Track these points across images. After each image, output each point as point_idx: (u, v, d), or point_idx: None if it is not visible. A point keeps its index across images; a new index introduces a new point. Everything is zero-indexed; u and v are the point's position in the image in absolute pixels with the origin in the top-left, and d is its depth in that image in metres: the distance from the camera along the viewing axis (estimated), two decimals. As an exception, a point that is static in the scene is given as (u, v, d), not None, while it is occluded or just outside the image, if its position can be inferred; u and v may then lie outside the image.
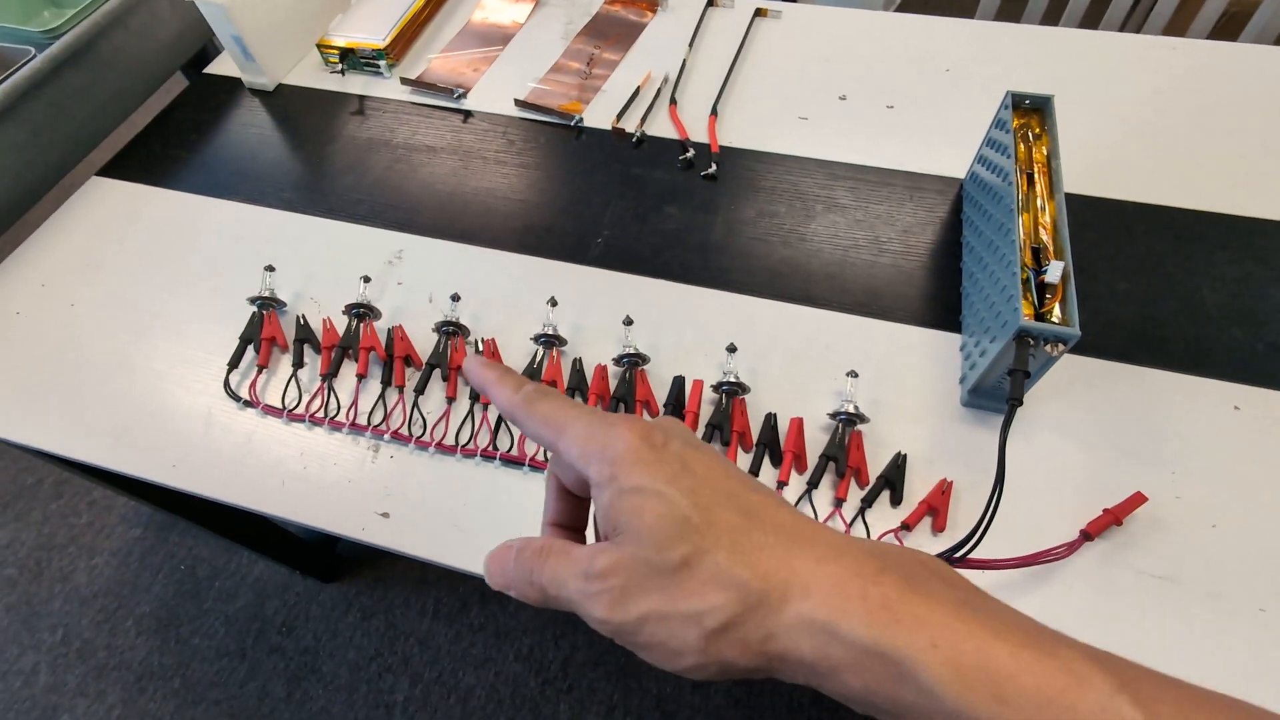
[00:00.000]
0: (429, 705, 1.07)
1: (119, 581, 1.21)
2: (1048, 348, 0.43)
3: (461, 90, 0.74)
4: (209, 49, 0.86)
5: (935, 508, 0.45)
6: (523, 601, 0.25)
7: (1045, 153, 0.52)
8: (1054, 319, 0.44)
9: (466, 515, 0.48)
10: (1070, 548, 0.42)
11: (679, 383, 0.51)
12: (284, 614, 1.16)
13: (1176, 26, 1.16)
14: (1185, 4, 1.14)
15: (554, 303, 0.55)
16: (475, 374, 0.28)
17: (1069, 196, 0.61)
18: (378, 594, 1.16)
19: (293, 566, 1.15)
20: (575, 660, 1.08)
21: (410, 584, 1.16)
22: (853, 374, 0.50)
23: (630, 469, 0.23)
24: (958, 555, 0.39)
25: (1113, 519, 0.43)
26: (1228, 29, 1.16)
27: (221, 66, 0.80)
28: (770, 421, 0.49)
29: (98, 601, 1.19)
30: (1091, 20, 1.23)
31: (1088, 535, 0.43)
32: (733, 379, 0.50)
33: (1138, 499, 0.44)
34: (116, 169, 0.71)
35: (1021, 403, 0.42)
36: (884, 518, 0.46)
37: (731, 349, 0.52)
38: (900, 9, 1.52)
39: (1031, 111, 0.55)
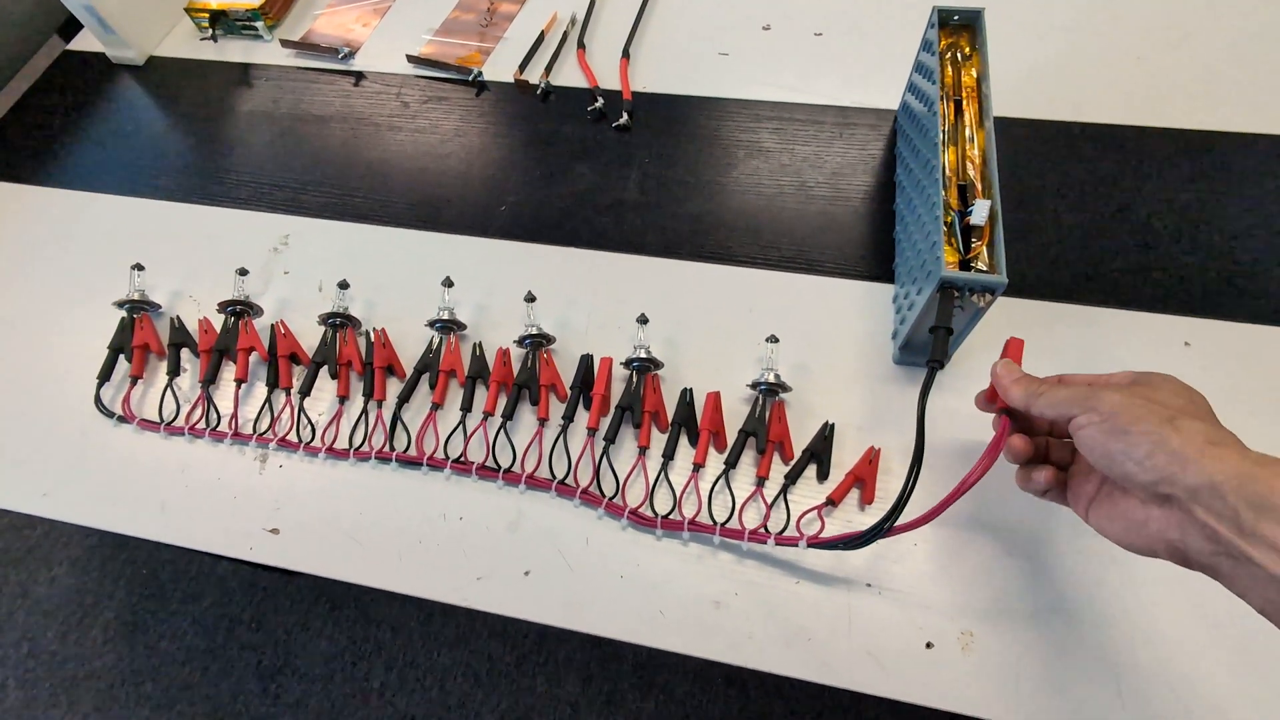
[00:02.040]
0: (406, 688, 1.06)
1: (80, 590, 1.18)
2: (974, 298, 0.39)
3: (349, 49, 0.67)
4: (74, 22, 0.78)
5: (863, 479, 0.42)
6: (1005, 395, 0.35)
7: (975, 75, 0.47)
8: (980, 265, 0.39)
9: (363, 525, 0.44)
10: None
11: (586, 362, 0.47)
12: (251, 610, 1.14)
13: None
14: None
15: (449, 283, 0.50)
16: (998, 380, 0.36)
17: (1007, 120, 0.56)
18: (343, 583, 1.14)
19: (254, 564, 1.13)
20: (550, 633, 1.07)
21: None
22: (773, 339, 0.46)
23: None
24: (879, 534, 0.36)
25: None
26: None
27: (85, 42, 0.72)
28: (686, 398, 0.45)
29: (60, 613, 1.16)
30: None
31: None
32: (644, 354, 0.46)
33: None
34: (-28, 166, 0.64)
35: (943, 365, 0.38)
36: (810, 493, 0.43)
37: (643, 320, 0.48)
38: None
39: (961, 29, 0.49)
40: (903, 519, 0.36)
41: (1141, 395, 0.30)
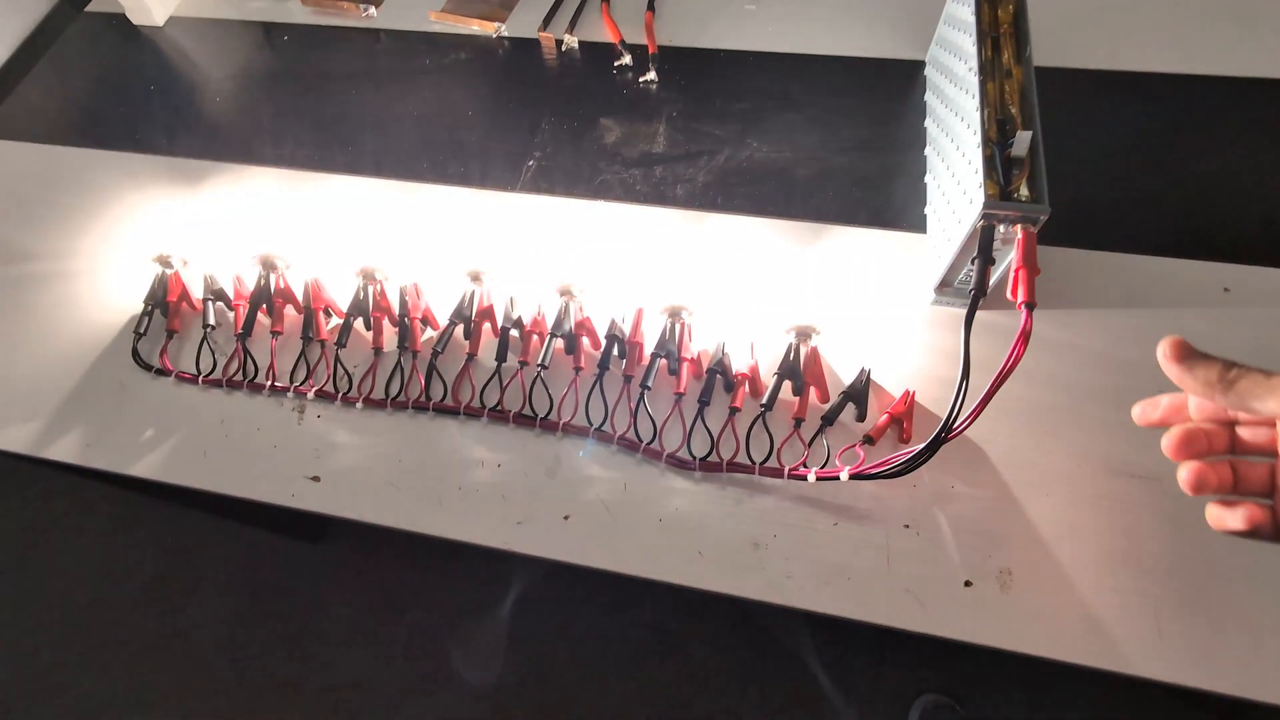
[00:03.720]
0: (429, 653, 1.08)
1: (108, 558, 1.20)
2: (1016, 228, 0.39)
3: (371, 6, 0.67)
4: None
5: (900, 419, 0.42)
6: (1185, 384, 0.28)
7: (1011, 11, 0.46)
8: (1021, 196, 0.39)
9: (402, 472, 0.45)
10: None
11: (619, 314, 0.47)
12: (276, 576, 1.16)
13: None
14: None
15: (480, 235, 0.50)
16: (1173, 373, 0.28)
17: (1044, 70, 0.55)
18: (368, 548, 1.16)
19: (278, 530, 1.14)
20: (574, 597, 1.08)
21: (399, 537, 1.16)
22: (805, 286, 0.46)
23: None
24: (932, 452, 0.36)
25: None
26: None
27: (103, 4, 0.72)
28: (721, 345, 0.45)
29: (89, 580, 1.19)
30: None
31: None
32: (677, 303, 0.46)
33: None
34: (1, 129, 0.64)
35: (985, 293, 0.37)
36: (847, 436, 0.43)
37: (675, 271, 0.48)
38: None
39: (997, -31, 0.48)
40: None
41: None
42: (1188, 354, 0.28)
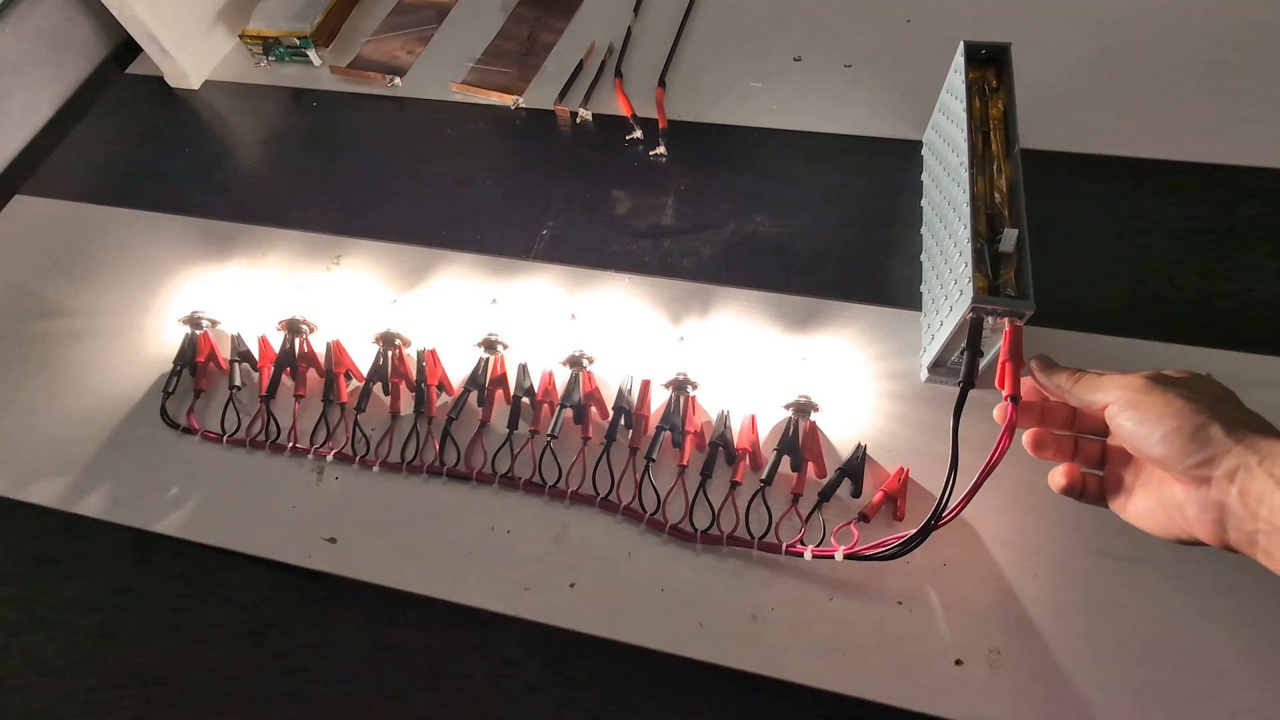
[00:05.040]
0: (426, 693, 1.08)
1: (114, 591, 1.21)
2: (1004, 321, 0.41)
3: (396, 76, 0.70)
4: (133, 43, 0.82)
5: (894, 496, 0.44)
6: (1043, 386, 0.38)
7: (1001, 108, 0.49)
8: (1009, 291, 0.41)
9: (415, 535, 0.47)
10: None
11: (626, 385, 0.49)
12: (280, 613, 1.17)
13: None
14: None
15: (495, 303, 0.53)
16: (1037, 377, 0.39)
17: (1034, 152, 0.57)
18: (369, 591, 1.17)
19: (282, 567, 1.16)
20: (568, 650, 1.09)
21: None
22: (804, 360, 0.48)
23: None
24: (920, 540, 0.38)
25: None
26: None
27: (143, 66, 0.76)
28: (723, 418, 0.47)
29: (96, 613, 1.20)
30: None
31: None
32: (683, 375, 0.48)
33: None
34: (40, 185, 0.68)
35: (973, 385, 0.39)
36: (843, 511, 0.45)
37: (680, 341, 0.50)
38: None
39: (988, 63, 0.51)
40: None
41: (1180, 384, 0.33)
42: (1049, 365, 0.38)
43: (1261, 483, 0.28)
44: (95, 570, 1.24)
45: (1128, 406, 0.32)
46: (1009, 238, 0.42)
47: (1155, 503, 0.33)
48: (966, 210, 0.44)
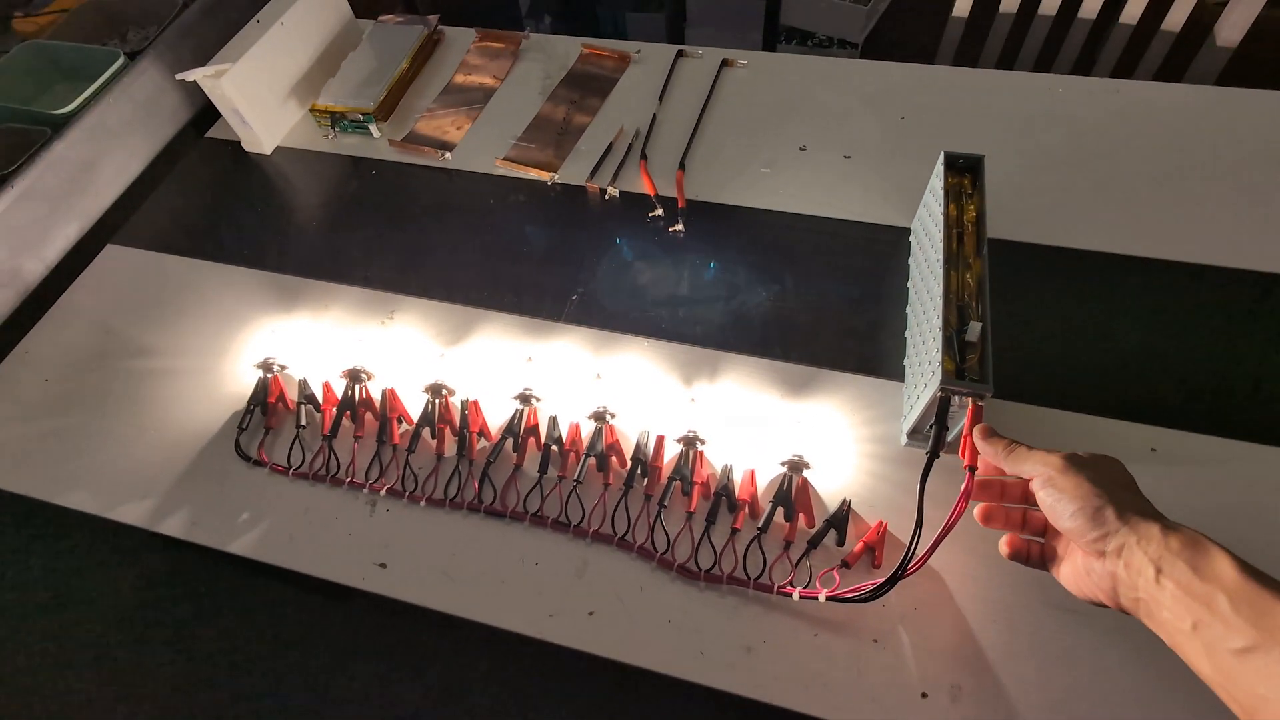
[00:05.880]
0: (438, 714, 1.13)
1: (143, 604, 1.28)
2: (968, 399, 0.48)
3: (446, 150, 0.79)
4: (212, 107, 0.92)
5: (873, 546, 0.51)
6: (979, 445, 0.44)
7: (974, 213, 0.57)
8: (973, 376, 0.48)
9: (455, 564, 0.54)
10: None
11: (643, 439, 0.56)
12: (300, 630, 1.23)
13: (1124, 67, 1.21)
14: (1132, 46, 1.19)
15: (530, 360, 0.61)
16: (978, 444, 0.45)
17: (1009, 243, 0.65)
18: (386, 611, 1.23)
19: (304, 587, 1.22)
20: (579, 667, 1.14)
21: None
22: (799, 423, 0.55)
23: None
24: (888, 588, 0.45)
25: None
26: (1172, 68, 1.19)
27: (221, 131, 0.85)
28: (727, 471, 0.54)
29: (125, 624, 1.26)
30: (1044, 63, 1.27)
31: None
32: (693, 433, 0.55)
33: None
34: (129, 236, 0.77)
35: (939, 455, 0.46)
36: (829, 558, 0.51)
37: (691, 402, 0.57)
38: (864, 54, 1.56)
39: (965, 170, 0.59)
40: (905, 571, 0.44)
41: (1090, 467, 0.39)
42: (988, 435, 0.44)
43: (1139, 558, 0.34)
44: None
45: (1047, 484, 0.39)
46: (974, 329, 0.49)
47: (1075, 569, 0.39)
48: (940, 302, 0.51)
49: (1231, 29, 1.13)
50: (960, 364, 0.49)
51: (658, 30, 1.73)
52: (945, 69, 0.81)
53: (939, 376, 0.47)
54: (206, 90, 0.76)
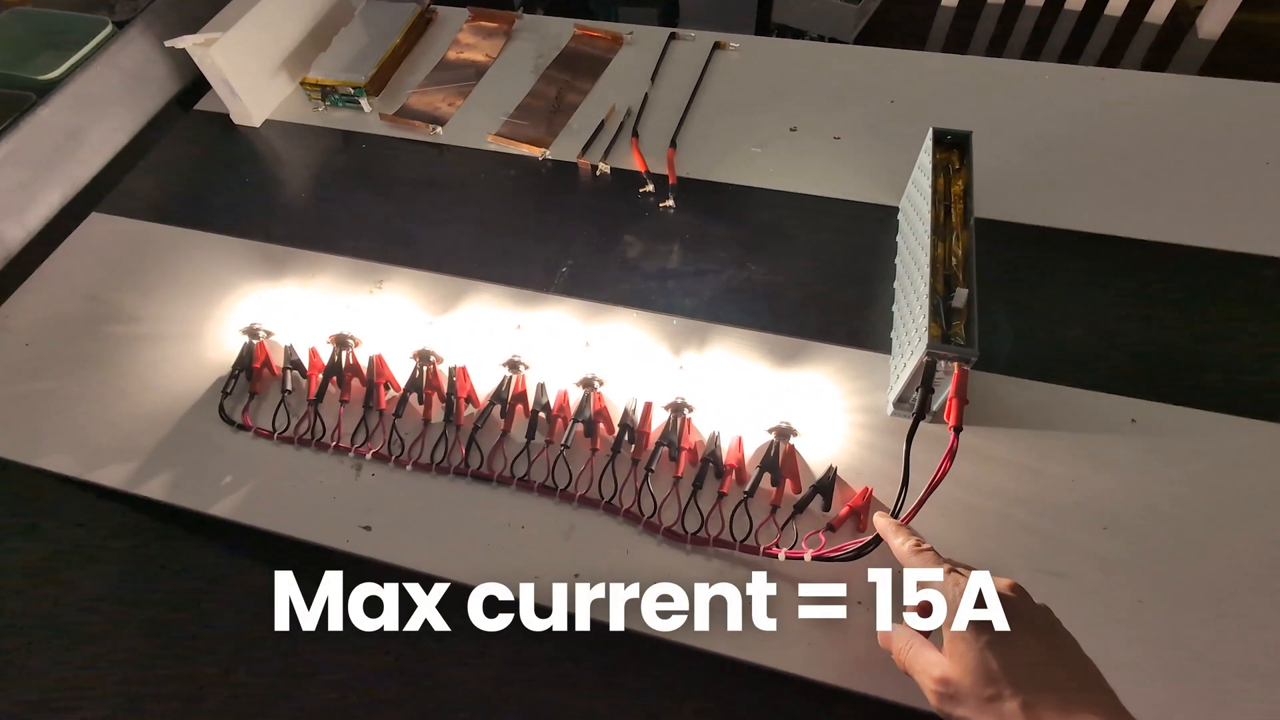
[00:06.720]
0: (416, 700, 1.12)
1: (121, 587, 1.26)
2: (954, 364, 0.48)
3: (437, 125, 0.79)
4: (201, 82, 0.91)
5: (858, 511, 0.51)
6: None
7: (962, 186, 0.57)
8: (959, 340, 0.49)
9: (440, 527, 0.53)
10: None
11: (631, 405, 0.57)
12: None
13: (1110, 58, 1.22)
14: (1119, 35, 1.21)
15: (519, 328, 0.61)
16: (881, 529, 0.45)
17: (990, 221, 0.66)
18: (369, 575, 1.22)
19: (288, 567, 1.21)
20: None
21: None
22: (787, 391, 0.55)
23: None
24: (873, 547, 0.45)
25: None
26: (1158, 59, 1.21)
27: (210, 103, 0.85)
28: (714, 438, 0.55)
29: (103, 607, 1.24)
30: (1033, 51, 1.28)
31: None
32: (681, 399, 0.55)
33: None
34: (113, 205, 0.76)
35: (924, 417, 0.47)
36: (815, 523, 0.51)
37: (679, 370, 0.57)
38: (858, 40, 1.58)
39: (953, 146, 0.60)
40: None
41: (989, 653, 0.35)
42: (894, 527, 0.44)
43: None
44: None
45: (928, 688, 0.37)
46: (960, 295, 0.50)
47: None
48: (927, 270, 0.52)
49: (1213, 24, 1.15)
50: (946, 330, 0.50)
51: (650, 24, 1.74)
52: (935, 55, 0.82)
53: (925, 341, 0.48)
54: (196, 59, 0.75)
